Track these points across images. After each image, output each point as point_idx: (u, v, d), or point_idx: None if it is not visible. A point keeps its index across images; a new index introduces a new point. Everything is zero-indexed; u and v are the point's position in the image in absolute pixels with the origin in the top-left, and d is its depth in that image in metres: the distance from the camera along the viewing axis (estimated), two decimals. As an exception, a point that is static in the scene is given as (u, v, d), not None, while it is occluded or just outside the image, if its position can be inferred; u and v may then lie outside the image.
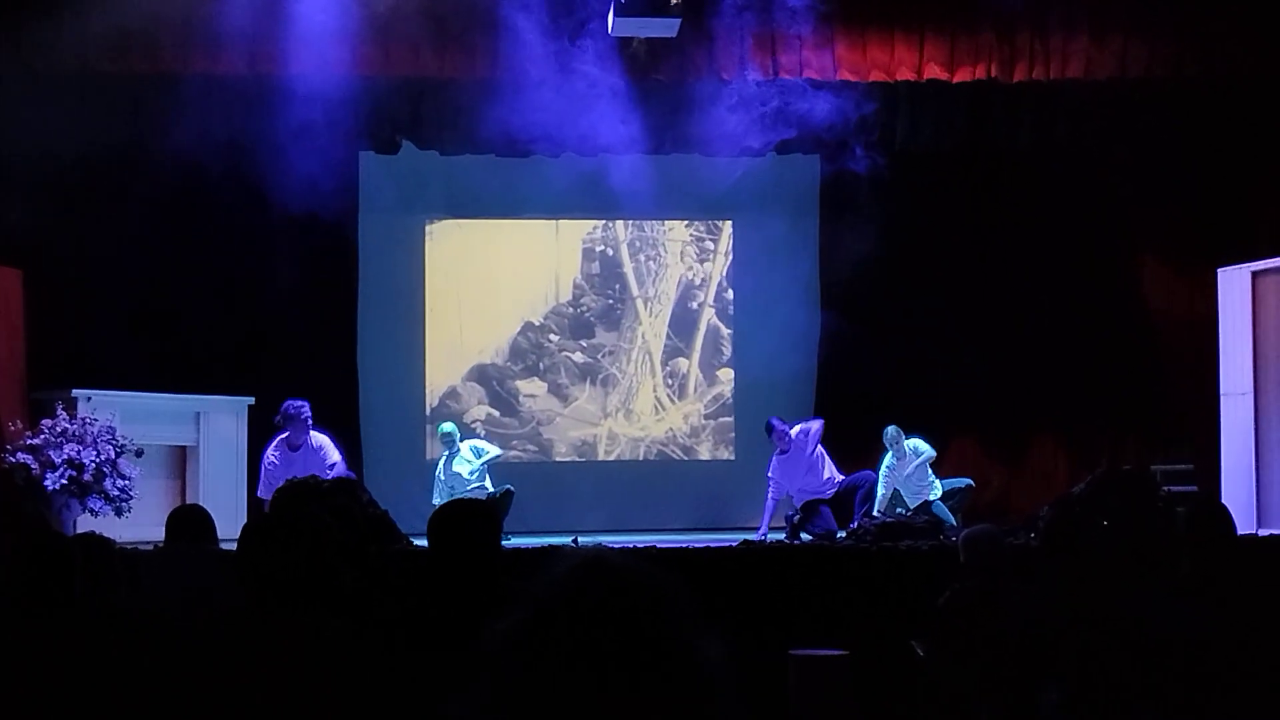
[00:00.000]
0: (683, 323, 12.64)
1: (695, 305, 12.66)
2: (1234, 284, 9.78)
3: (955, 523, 9.73)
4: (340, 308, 11.59)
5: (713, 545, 7.69)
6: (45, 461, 8.73)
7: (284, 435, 9.43)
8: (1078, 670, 4.07)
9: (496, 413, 12.31)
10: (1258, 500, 9.37)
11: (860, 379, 11.50)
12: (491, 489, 10.02)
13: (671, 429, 12.60)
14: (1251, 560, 5.56)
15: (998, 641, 4.55)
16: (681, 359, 12.63)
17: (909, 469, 10.17)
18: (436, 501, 9.83)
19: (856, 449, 10.73)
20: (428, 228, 12.35)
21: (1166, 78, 10.18)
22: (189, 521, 5.46)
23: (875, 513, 9.78)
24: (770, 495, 10.30)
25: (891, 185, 11.10)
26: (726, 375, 12.63)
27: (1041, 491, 11.02)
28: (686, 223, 12.68)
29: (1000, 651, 4.49)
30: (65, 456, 8.70)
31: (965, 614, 5.10)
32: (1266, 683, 3.97)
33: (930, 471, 10.30)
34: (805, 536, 9.86)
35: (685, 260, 12.71)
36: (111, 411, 9.15)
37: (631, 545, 7.11)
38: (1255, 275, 9.62)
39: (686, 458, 12.59)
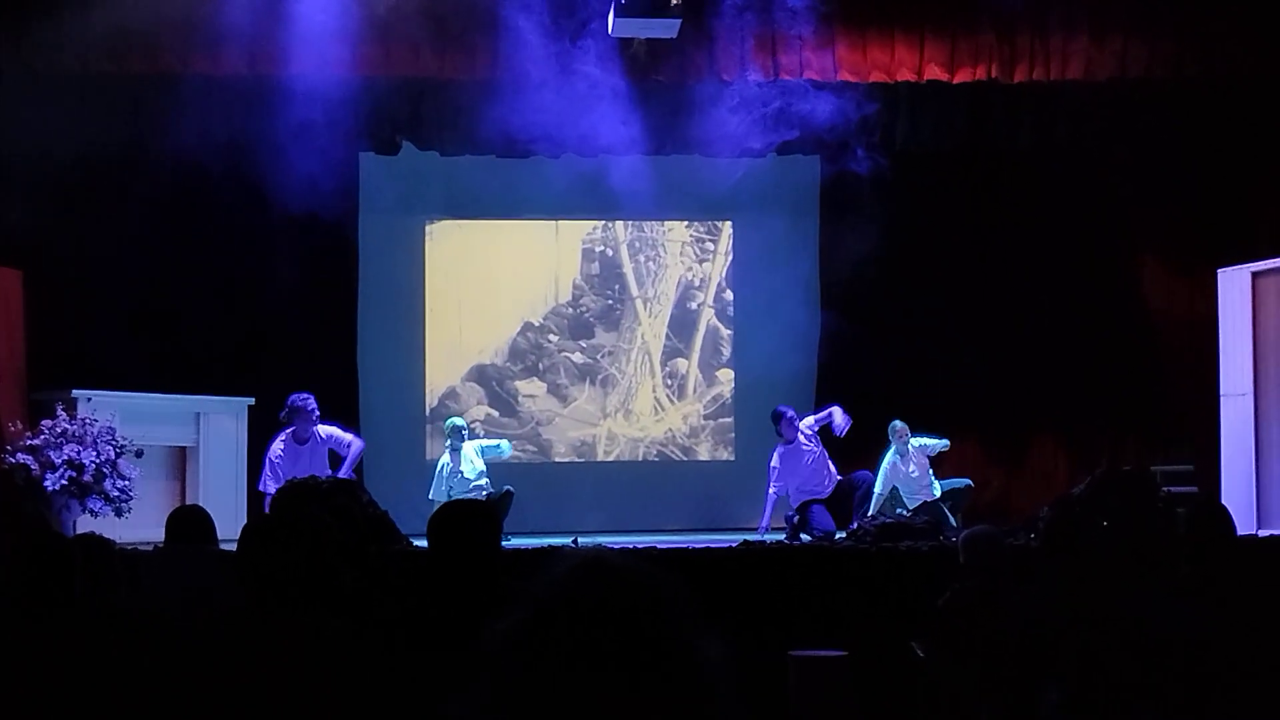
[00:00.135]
0: (682, 323, 12.63)
1: (695, 306, 12.66)
2: (1234, 284, 9.78)
3: (955, 523, 9.73)
4: (340, 308, 11.59)
5: (712, 546, 7.68)
6: (45, 462, 8.73)
7: (290, 429, 9.42)
8: (1078, 671, 4.07)
9: (496, 413, 12.31)
10: (1257, 501, 9.37)
11: (860, 380, 11.50)
12: (491, 489, 10.01)
13: (671, 429, 12.60)
14: (1251, 561, 5.56)
15: (997, 642, 4.55)
16: (681, 359, 12.63)
17: (913, 468, 10.17)
18: (432, 497, 9.83)
19: (856, 449, 10.72)
20: (428, 228, 12.36)
21: (1166, 78, 10.18)
22: (189, 522, 5.47)
23: (872, 511, 9.78)
24: (772, 490, 10.25)
25: (892, 186, 11.10)
26: (726, 376, 12.63)
27: (1041, 492, 11.01)
28: (686, 223, 12.68)
29: (1000, 652, 4.49)
30: (65, 457, 8.70)
31: (965, 614, 5.10)
32: (1266, 683, 3.97)
33: (931, 472, 10.31)
34: (805, 537, 9.85)
35: (685, 261, 12.71)
36: (111, 412, 9.15)
37: (631, 546, 7.11)
38: (1255, 276, 9.62)
39: (686, 458, 12.59)
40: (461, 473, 10.06)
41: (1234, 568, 4.44)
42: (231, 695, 3.30)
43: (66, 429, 8.84)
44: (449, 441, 10.20)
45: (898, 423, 10.19)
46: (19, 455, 8.79)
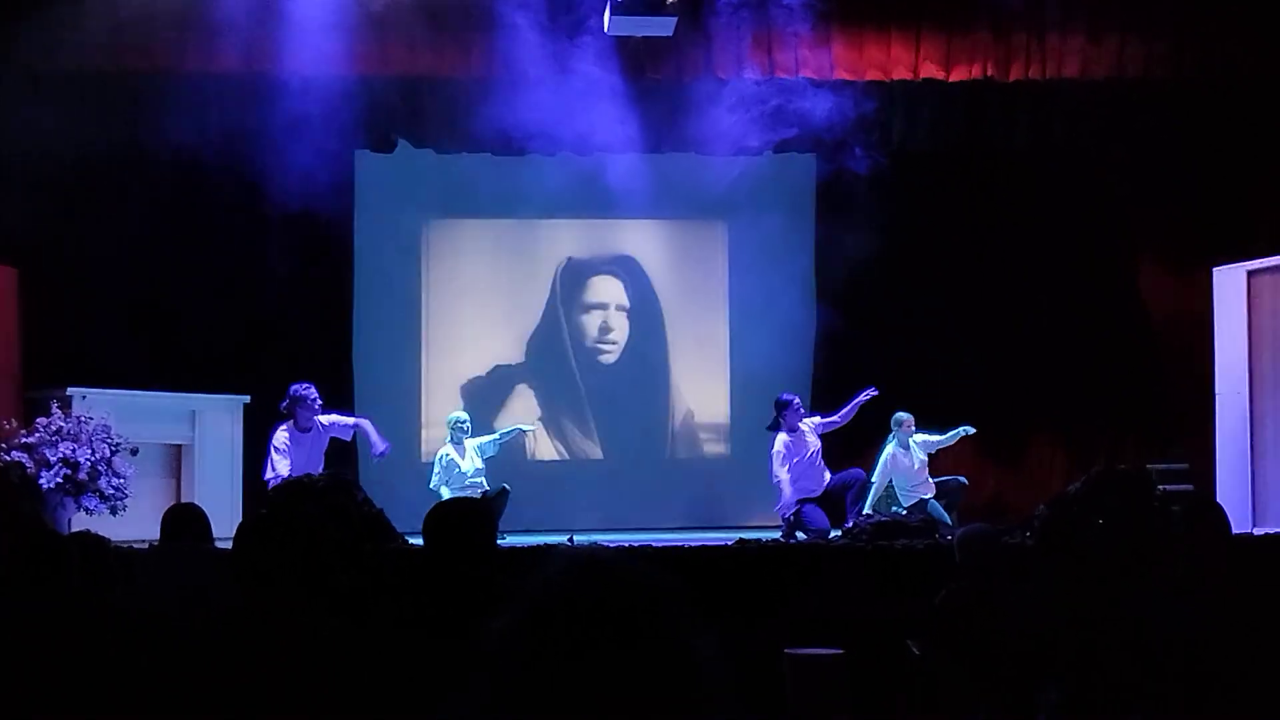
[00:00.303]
0: (679, 321, 12.63)
1: (691, 304, 12.65)
2: (1229, 283, 9.80)
3: (951, 522, 9.72)
4: (336, 306, 11.59)
5: (708, 544, 7.68)
6: (40, 460, 8.72)
7: (292, 419, 9.41)
8: (1074, 669, 4.08)
9: (492, 410, 12.28)
10: (1253, 499, 9.39)
11: (856, 378, 11.47)
12: (487, 488, 10.00)
13: (667, 427, 12.59)
14: (1247, 559, 5.57)
15: (994, 641, 4.56)
16: (678, 358, 12.62)
17: (915, 461, 10.16)
18: (432, 486, 9.86)
19: (853, 448, 10.72)
20: (424, 226, 12.35)
21: (1163, 77, 10.19)
22: (184, 520, 5.46)
23: (871, 502, 9.75)
24: (783, 478, 9.99)
25: (888, 184, 11.10)
26: (722, 374, 12.62)
27: (1038, 491, 11.02)
28: (683, 222, 12.67)
29: (996, 651, 4.49)
30: (60, 455, 8.69)
31: (961, 613, 5.11)
32: (1262, 681, 3.97)
33: (927, 471, 10.31)
34: (800, 536, 9.84)
35: (681, 259, 12.70)
36: (107, 410, 9.13)
37: (627, 544, 7.11)
38: (1250, 274, 9.64)
39: (682, 456, 12.59)
40: (460, 469, 10.05)
41: (1229, 566, 4.44)
42: (227, 694, 3.29)
43: (62, 427, 8.83)
44: (451, 435, 10.19)
45: (902, 414, 10.15)
46: (14, 453, 8.77)
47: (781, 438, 10.11)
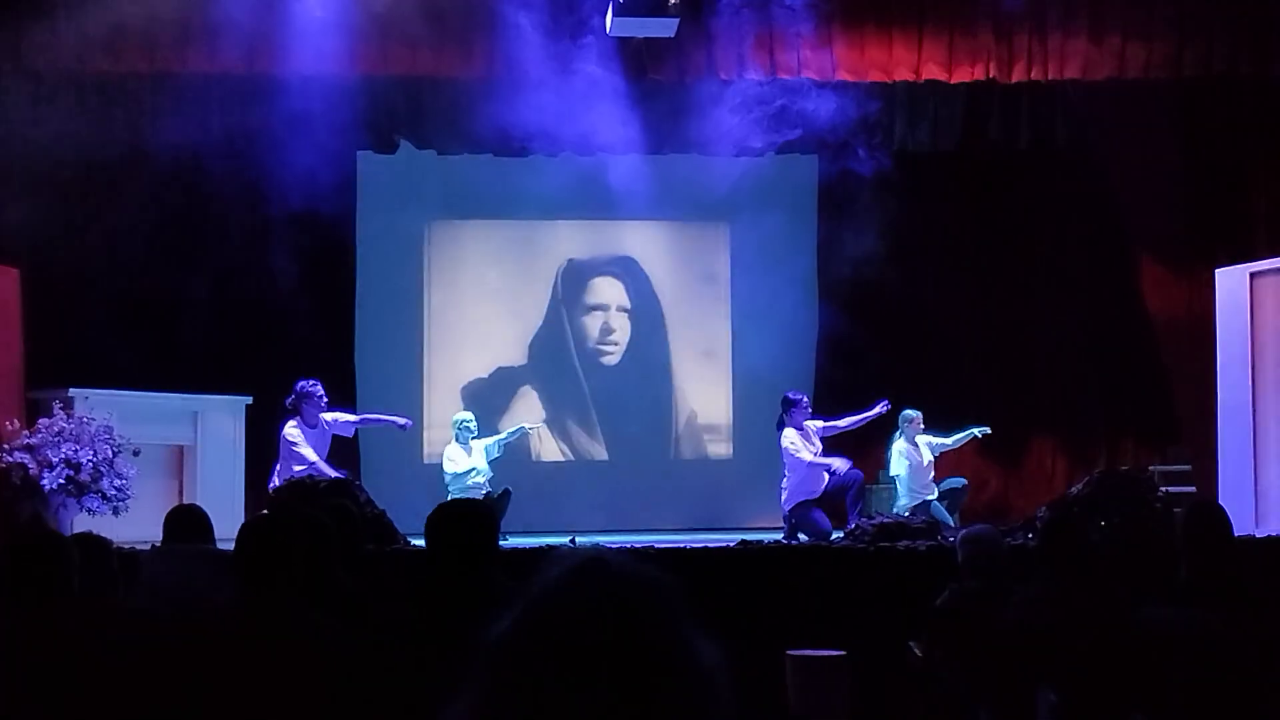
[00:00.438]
0: (681, 322, 12.62)
1: (694, 305, 12.65)
2: (1232, 284, 9.78)
3: (953, 523, 9.72)
4: (338, 307, 11.59)
5: (710, 545, 7.68)
6: (42, 461, 8.72)
7: (299, 415, 9.41)
8: (1076, 671, 4.07)
9: (494, 411, 12.28)
10: (1255, 501, 9.36)
11: (858, 379, 11.49)
12: (490, 489, 10.00)
13: (669, 428, 12.59)
14: (1249, 561, 5.56)
15: (996, 642, 4.55)
16: (680, 359, 12.62)
17: (924, 458, 10.16)
18: (450, 469, 10.04)
19: (853, 449, 10.71)
20: (426, 227, 12.35)
21: (1165, 78, 10.18)
22: (186, 521, 5.46)
23: (905, 500, 9.85)
24: (802, 465, 9.88)
25: (890, 185, 11.10)
26: (724, 375, 12.61)
27: (1040, 492, 11.02)
28: (685, 223, 12.66)
29: (998, 652, 4.49)
30: (62, 456, 8.69)
31: (963, 615, 5.10)
32: (1264, 683, 3.97)
33: (933, 471, 10.31)
34: (802, 537, 9.83)
35: (683, 260, 12.70)
36: (109, 411, 9.13)
37: (629, 545, 7.10)
38: (1253, 276, 9.61)
39: (684, 457, 12.58)
40: (461, 469, 10.05)
41: (1231, 568, 4.43)
42: (229, 694, 3.29)
43: (64, 427, 8.83)
44: (456, 435, 10.20)
45: (910, 411, 10.15)
46: (16, 454, 8.77)
47: (791, 432, 10.08)
